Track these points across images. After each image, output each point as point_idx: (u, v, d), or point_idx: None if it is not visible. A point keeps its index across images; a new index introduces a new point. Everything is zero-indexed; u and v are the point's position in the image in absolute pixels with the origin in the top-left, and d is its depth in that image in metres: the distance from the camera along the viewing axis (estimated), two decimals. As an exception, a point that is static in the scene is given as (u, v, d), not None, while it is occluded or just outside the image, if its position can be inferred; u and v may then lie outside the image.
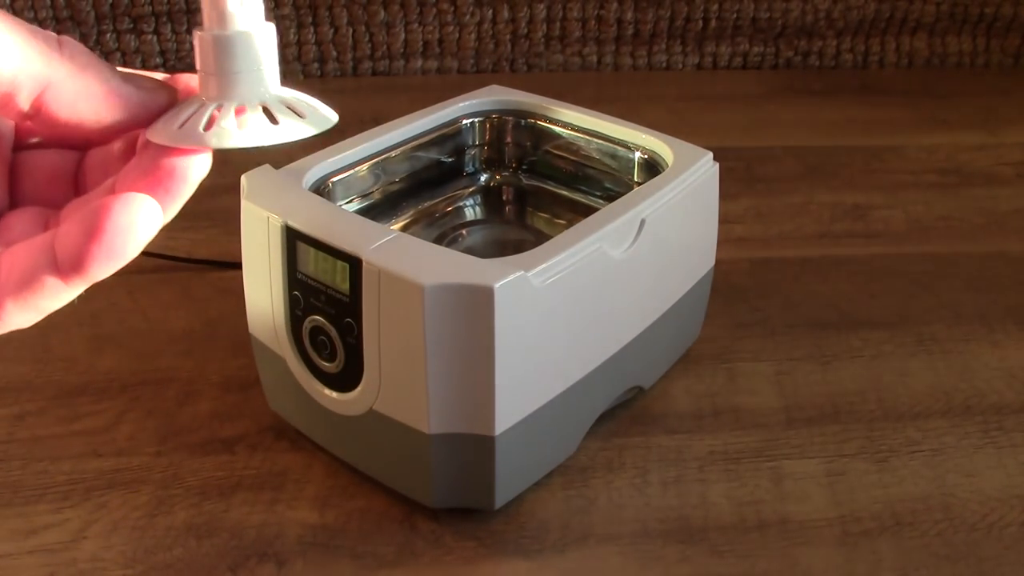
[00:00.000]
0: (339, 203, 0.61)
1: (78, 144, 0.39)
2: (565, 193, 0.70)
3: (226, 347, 0.69)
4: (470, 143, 0.70)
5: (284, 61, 1.14)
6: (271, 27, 0.36)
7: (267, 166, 0.57)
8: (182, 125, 0.35)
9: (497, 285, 0.48)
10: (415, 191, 0.67)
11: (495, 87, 0.71)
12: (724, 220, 0.66)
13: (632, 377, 0.62)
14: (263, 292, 0.56)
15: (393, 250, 0.50)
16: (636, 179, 0.65)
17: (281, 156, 0.52)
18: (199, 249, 0.79)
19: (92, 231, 0.32)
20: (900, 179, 0.94)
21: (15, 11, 1.07)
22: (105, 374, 0.66)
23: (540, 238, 0.63)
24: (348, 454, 0.58)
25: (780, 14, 1.18)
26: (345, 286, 0.51)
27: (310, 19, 1.14)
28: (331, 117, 0.38)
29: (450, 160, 0.69)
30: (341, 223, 0.52)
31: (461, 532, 0.54)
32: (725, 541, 0.54)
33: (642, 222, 0.56)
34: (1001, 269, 0.80)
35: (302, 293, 0.54)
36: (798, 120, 1.07)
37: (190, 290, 0.75)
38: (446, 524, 0.55)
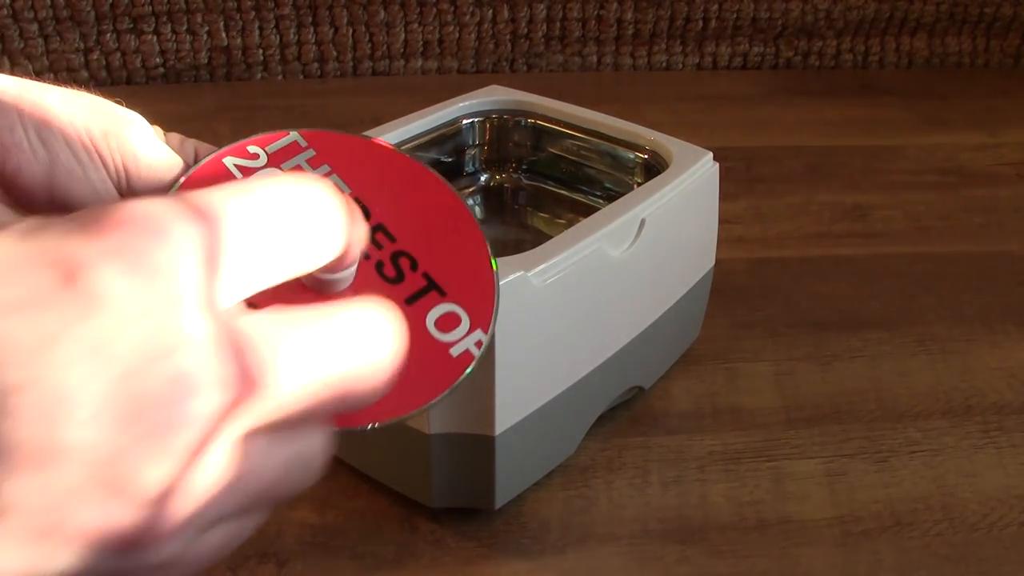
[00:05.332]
0: (339, 203, 0.61)
1: None
2: (565, 193, 0.70)
3: (226, 347, 0.68)
4: (470, 143, 0.70)
5: (284, 61, 1.15)
6: None
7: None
8: None
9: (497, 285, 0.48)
10: (415, 191, 0.67)
11: (495, 87, 0.71)
12: (724, 220, 0.66)
13: (632, 377, 0.62)
14: (263, 292, 0.56)
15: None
16: (636, 179, 0.65)
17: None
18: (199, 249, 0.79)
19: None
20: (900, 179, 0.94)
21: (15, 11, 1.07)
22: (105, 374, 0.66)
23: (540, 238, 0.63)
24: (348, 454, 0.58)
25: (780, 14, 1.18)
26: (345, 286, 0.51)
27: (310, 19, 1.14)
28: None
29: (450, 160, 0.69)
30: (341, 223, 0.52)
31: (461, 532, 0.54)
32: (725, 541, 0.54)
33: (642, 222, 0.56)
34: (1001, 269, 0.80)
35: (302, 293, 0.54)
36: (798, 120, 1.07)
37: (190, 290, 0.75)
38: (446, 524, 0.55)
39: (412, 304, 0.38)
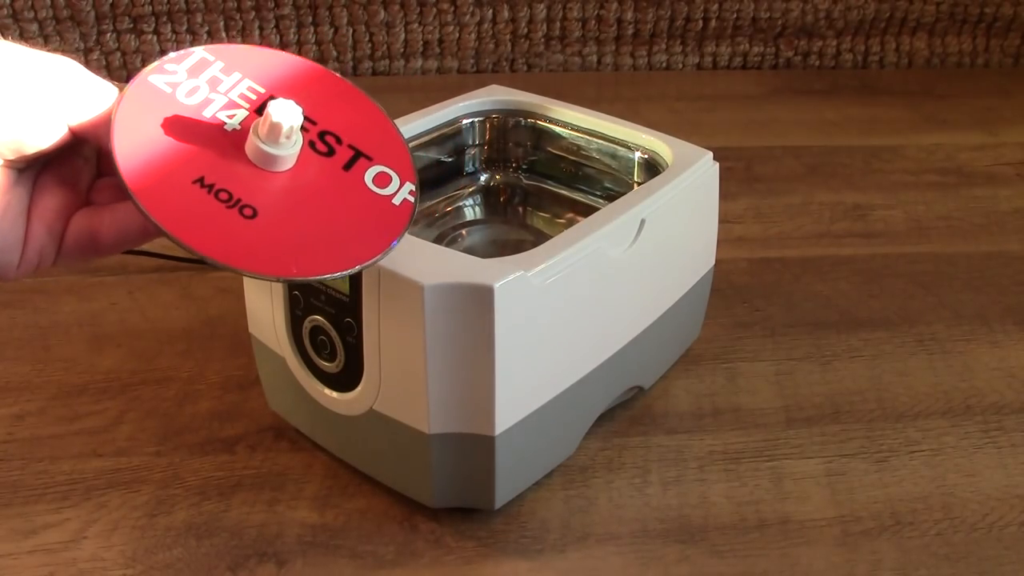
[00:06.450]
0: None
1: None
2: (565, 193, 0.70)
3: (226, 347, 0.69)
4: (470, 143, 0.70)
5: (284, 61, 1.14)
6: None
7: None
8: None
9: (497, 285, 0.48)
10: (415, 191, 0.67)
11: (495, 87, 0.71)
12: (724, 220, 0.66)
13: (632, 377, 0.62)
14: (263, 292, 0.56)
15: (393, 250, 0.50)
16: (636, 179, 0.65)
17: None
18: (199, 249, 0.79)
19: None
20: (900, 179, 0.94)
21: (15, 11, 1.07)
22: (105, 374, 0.66)
23: (540, 238, 0.63)
24: (348, 454, 0.58)
25: (780, 14, 1.18)
26: (345, 286, 0.51)
27: (310, 19, 1.14)
28: None
29: (450, 160, 0.69)
30: (341, 223, 0.52)
31: (461, 532, 0.54)
32: (725, 541, 0.54)
33: (642, 222, 0.56)
34: (1001, 269, 0.80)
35: (302, 293, 0.54)
36: (798, 120, 1.07)
37: (190, 290, 0.75)
38: (446, 524, 0.55)
39: (349, 170, 0.45)
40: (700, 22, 1.18)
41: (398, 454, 0.54)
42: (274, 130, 0.42)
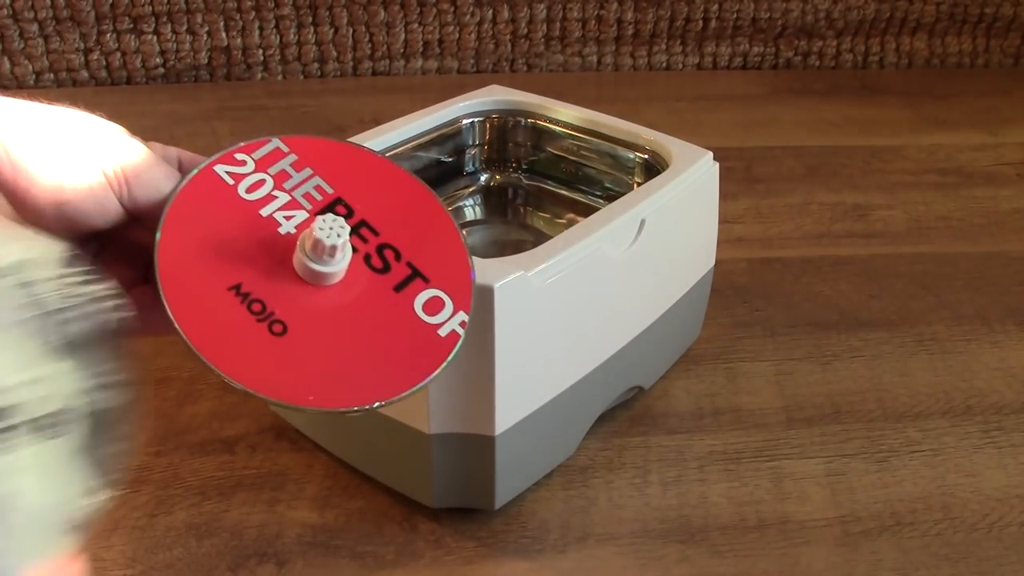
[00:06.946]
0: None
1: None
2: (565, 193, 0.70)
3: (226, 347, 0.68)
4: (470, 143, 0.70)
5: (284, 61, 1.15)
6: None
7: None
8: None
9: (497, 285, 0.48)
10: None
11: (495, 87, 0.71)
12: (724, 220, 0.66)
13: (632, 377, 0.62)
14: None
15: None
16: (636, 179, 0.65)
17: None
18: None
19: None
20: (900, 179, 0.94)
21: (15, 11, 1.07)
22: (105, 374, 0.66)
23: (540, 238, 0.63)
24: (348, 454, 0.58)
25: (780, 14, 1.18)
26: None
27: (310, 19, 1.14)
28: None
29: (450, 160, 0.69)
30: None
31: (461, 532, 0.54)
32: (725, 541, 0.54)
33: (642, 222, 0.56)
34: (1001, 269, 0.80)
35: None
36: (798, 120, 1.07)
37: (190, 290, 0.75)
38: (446, 524, 0.55)
39: (400, 291, 0.42)
40: (700, 22, 1.18)
41: (398, 454, 0.54)
42: (317, 247, 0.40)
